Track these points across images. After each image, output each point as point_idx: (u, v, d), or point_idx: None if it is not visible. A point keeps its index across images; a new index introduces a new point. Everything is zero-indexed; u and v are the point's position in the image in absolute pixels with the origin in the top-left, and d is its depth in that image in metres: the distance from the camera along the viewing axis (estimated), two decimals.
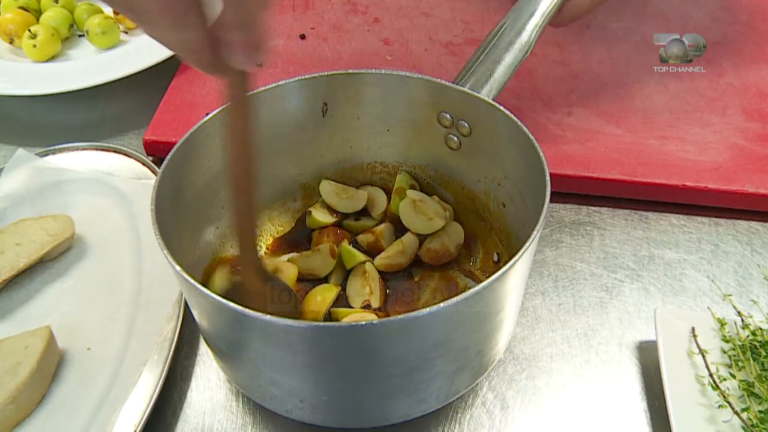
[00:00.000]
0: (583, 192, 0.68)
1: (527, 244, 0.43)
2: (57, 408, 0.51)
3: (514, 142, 0.52)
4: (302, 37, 0.84)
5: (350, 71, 0.57)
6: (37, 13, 0.83)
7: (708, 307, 0.58)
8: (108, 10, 0.85)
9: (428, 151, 0.61)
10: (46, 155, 0.69)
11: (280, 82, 0.56)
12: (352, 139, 0.61)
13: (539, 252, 0.64)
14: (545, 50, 0.82)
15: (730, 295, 0.60)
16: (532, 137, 0.50)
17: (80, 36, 0.85)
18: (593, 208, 0.68)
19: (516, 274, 0.44)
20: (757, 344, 0.54)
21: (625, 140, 0.71)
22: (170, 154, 0.49)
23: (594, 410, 0.53)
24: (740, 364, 0.54)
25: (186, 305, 0.56)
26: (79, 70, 0.76)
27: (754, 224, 0.67)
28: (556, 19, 0.63)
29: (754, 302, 0.60)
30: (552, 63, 0.80)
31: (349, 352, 0.42)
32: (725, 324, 0.56)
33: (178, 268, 0.42)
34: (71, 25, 0.84)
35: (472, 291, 0.40)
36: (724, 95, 0.76)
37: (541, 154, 0.49)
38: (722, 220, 0.67)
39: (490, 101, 0.54)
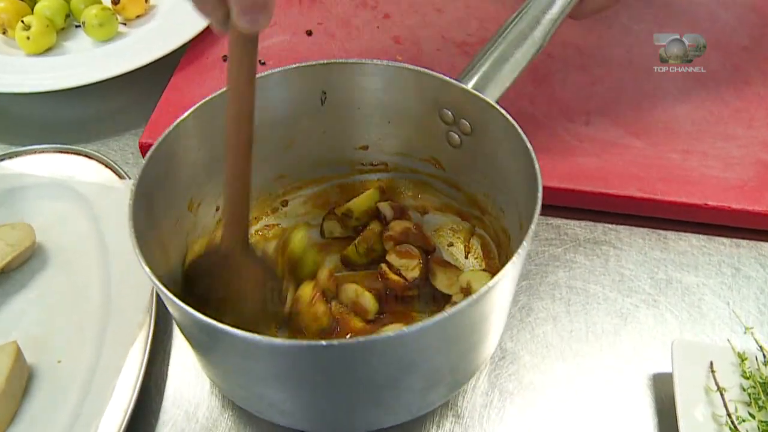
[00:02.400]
0: (600, 208, 0.65)
1: (503, 271, 0.41)
2: (29, 427, 0.50)
3: (513, 148, 0.49)
4: (309, 33, 0.80)
5: (349, 60, 0.56)
6: (32, 2, 0.80)
7: (728, 339, 0.55)
8: (106, 1, 0.82)
9: (429, 146, 0.59)
10: (2, 160, 0.66)
11: (277, 69, 0.54)
12: (351, 129, 0.60)
13: (552, 273, 0.61)
14: (564, 53, 0.78)
15: (751, 328, 0.57)
16: (530, 148, 0.47)
17: (77, 27, 0.81)
18: (609, 225, 0.65)
19: (490, 300, 0.43)
20: None
21: (645, 153, 0.67)
22: (144, 162, 0.47)
23: None
24: (760, 403, 0.51)
25: (157, 311, 0.55)
26: (73, 66, 0.73)
27: None
28: (575, 11, 0.58)
29: None
30: (570, 67, 0.76)
31: (311, 369, 0.42)
32: (746, 359, 0.53)
33: (153, 277, 0.41)
34: (67, 15, 0.80)
35: (438, 317, 0.39)
36: (750, 106, 0.73)
37: (537, 170, 0.46)
38: (744, 242, 0.64)
39: (492, 102, 0.51)
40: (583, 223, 0.65)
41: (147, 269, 0.41)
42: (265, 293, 0.51)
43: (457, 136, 0.56)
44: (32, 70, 0.73)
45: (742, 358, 0.53)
